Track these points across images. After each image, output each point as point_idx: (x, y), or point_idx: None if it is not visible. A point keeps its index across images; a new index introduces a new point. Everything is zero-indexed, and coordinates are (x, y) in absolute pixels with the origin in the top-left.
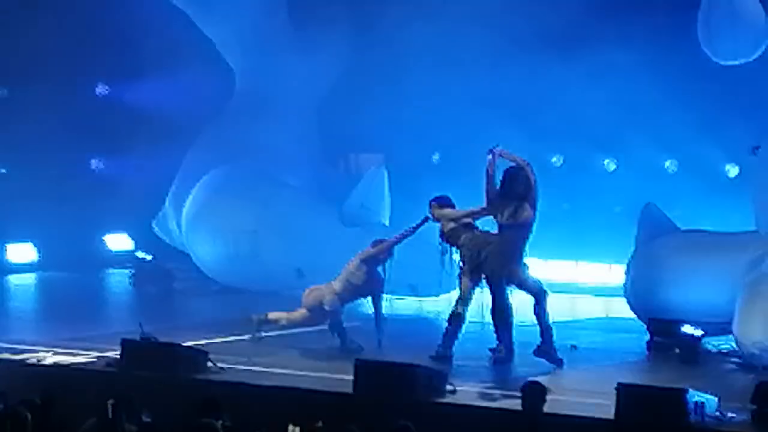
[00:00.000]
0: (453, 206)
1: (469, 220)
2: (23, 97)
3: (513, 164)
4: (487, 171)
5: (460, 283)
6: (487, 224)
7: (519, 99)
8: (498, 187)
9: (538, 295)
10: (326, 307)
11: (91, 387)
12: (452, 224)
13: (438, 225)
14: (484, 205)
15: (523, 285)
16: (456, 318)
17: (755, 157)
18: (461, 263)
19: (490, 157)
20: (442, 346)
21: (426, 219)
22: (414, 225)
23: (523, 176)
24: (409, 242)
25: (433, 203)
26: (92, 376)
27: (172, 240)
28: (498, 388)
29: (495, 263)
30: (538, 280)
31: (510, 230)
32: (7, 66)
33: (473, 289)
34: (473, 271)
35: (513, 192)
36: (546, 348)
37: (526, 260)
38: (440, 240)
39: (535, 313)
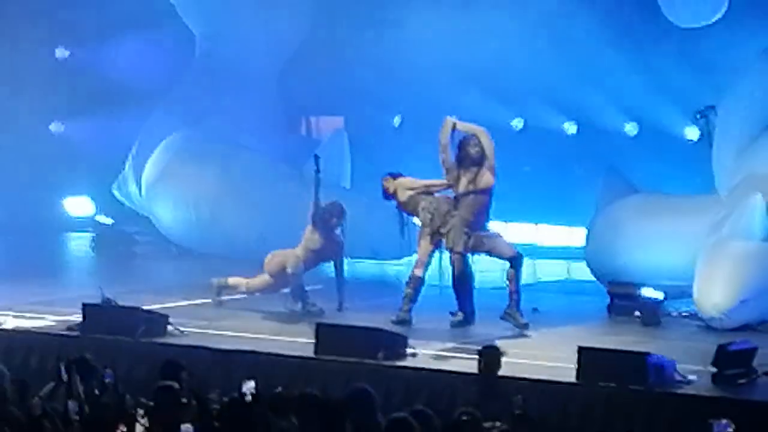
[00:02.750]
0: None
1: (425, 190)
2: None
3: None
4: (440, 141)
5: (419, 245)
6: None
7: (479, 63)
8: (453, 156)
9: (513, 259)
10: (289, 270)
11: (52, 351)
12: (409, 192)
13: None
14: (443, 175)
15: (495, 251)
16: (415, 281)
17: (717, 116)
18: (420, 225)
19: (444, 127)
20: (402, 310)
21: (317, 156)
22: (316, 169)
23: (477, 142)
24: (371, 205)
25: (387, 176)
26: (53, 340)
27: (133, 204)
28: (458, 351)
29: (458, 234)
30: (512, 244)
31: (469, 197)
32: None
33: (433, 252)
34: (432, 234)
35: (469, 159)
36: (512, 312)
37: (490, 224)
38: (398, 210)
39: (507, 277)
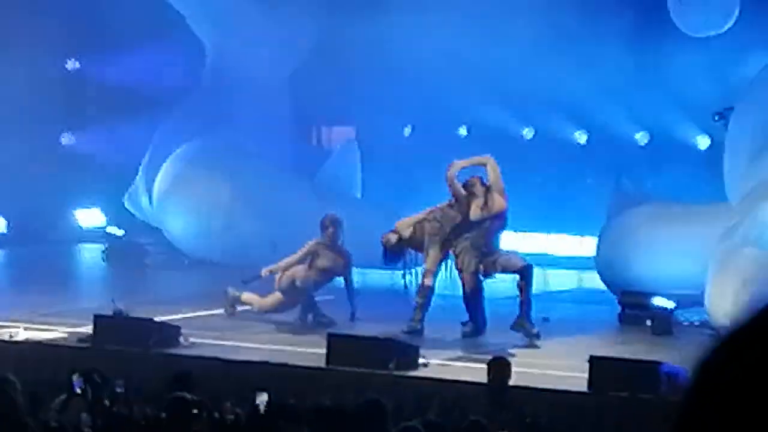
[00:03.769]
0: None
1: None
2: None
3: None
4: (448, 182)
5: (428, 254)
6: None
7: (490, 73)
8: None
9: (524, 270)
10: (297, 284)
11: (64, 363)
12: (410, 228)
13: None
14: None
15: (507, 267)
16: (425, 290)
17: (718, 123)
18: (429, 235)
19: (448, 172)
20: (414, 320)
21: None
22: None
23: (477, 179)
24: (382, 214)
25: (383, 235)
26: (64, 351)
27: (144, 215)
28: (470, 361)
29: (469, 257)
30: (521, 256)
31: (485, 223)
32: None
33: (442, 260)
34: (443, 243)
35: (474, 188)
36: (522, 321)
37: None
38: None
39: (518, 287)
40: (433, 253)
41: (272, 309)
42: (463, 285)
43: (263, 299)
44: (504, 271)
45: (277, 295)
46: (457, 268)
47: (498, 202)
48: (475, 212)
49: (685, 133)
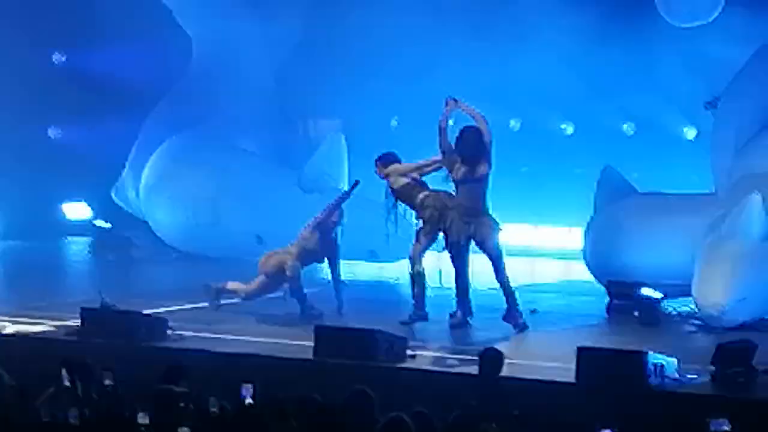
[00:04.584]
0: (399, 161)
1: (418, 174)
2: None
3: (470, 119)
4: (440, 124)
5: (419, 241)
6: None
7: (476, 64)
8: (453, 143)
9: (495, 261)
10: (288, 273)
11: (51, 356)
12: (404, 180)
13: (385, 183)
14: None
15: (484, 244)
16: (418, 277)
17: (709, 113)
18: (421, 223)
19: (446, 107)
20: (416, 307)
21: (357, 183)
22: (347, 189)
23: (478, 134)
24: (369, 207)
25: (378, 162)
26: (52, 344)
27: (131, 208)
28: (458, 353)
29: (459, 226)
30: (499, 247)
31: (466, 185)
32: None
33: (426, 249)
34: (433, 232)
35: (468, 150)
36: (511, 313)
37: (503, 225)
38: (389, 198)
39: (497, 279)
40: (424, 240)
41: (258, 292)
42: (454, 265)
43: (249, 285)
44: (482, 246)
45: (261, 278)
46: (449, 243)
47: (482, 166)
48: (461, 173)
49: (672, 123)
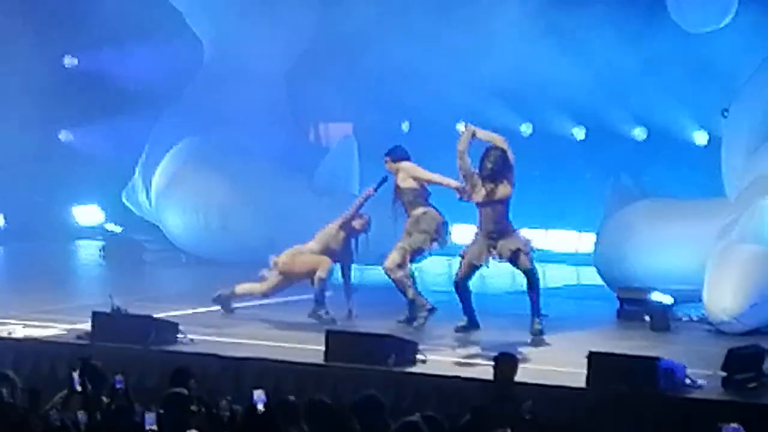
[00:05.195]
0: (409, 158)
1: (427, 182)
2: None
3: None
4: (458, 148)
5: (408, 245)
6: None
7: (487, 68)
8: (475, 165)
9: (528, 277)
10: (320, 275)
11: (62, 359)
12: (413, 182)
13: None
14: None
15: (515, 263)
16: (408, 279)
17: (726, 120)
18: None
19: (461, 130)
20: (417, 307)
21: (384, 179)
22: (374, 186)
23: (499, 154)
24: (380, 211)
25: (387, 156)
26: (63, 348)
27: (142, 212)
28: (468, 357)
29: (483, 250)
30: (532, 263)
31: (488, 207)
32: None
33: (406, 262)
34: (419, 252)
35: (489, 170)
36: (532, 318)
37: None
38: (395, 199)
39: (527, 292)
40: (413, 245)
41: (273, 290)
42: (460, 274)
43: (261, 284)
44: (513, 262)
45: (274, 276)
46: (461, 254)
47: (505, 188)
48: (481, 195)
49: (684, 128)
